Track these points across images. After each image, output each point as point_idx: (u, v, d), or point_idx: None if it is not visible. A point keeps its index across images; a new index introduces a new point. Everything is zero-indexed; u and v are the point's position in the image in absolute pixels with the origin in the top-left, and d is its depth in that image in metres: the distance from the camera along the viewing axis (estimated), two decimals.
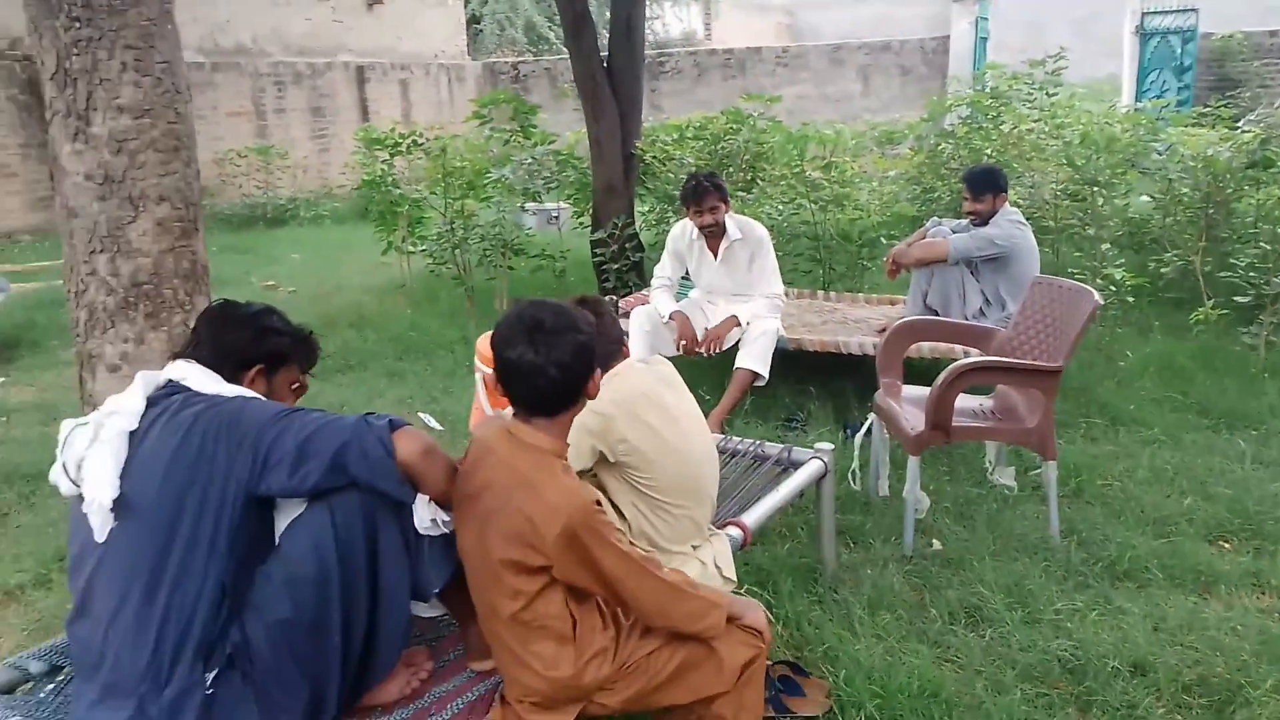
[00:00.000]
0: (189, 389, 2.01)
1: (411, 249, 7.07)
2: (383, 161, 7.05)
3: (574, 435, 2.23)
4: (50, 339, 6.51)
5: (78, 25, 2.65)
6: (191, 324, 2.85)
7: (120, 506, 1.86)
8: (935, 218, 5.06)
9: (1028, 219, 4.67)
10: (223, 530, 1.85)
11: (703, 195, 4.42)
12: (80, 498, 1.91)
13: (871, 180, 6.62)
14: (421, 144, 6.88)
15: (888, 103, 14.72)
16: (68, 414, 2.07)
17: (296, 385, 2.25)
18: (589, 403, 2.28)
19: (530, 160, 6.98)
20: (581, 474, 2.25)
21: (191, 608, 1.83)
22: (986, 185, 4.49)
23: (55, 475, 1.98)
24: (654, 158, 6.81)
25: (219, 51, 12.72)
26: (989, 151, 6.59)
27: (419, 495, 2.00)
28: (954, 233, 4.59)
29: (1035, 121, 6.82)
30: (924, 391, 3.47)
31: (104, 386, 2.75)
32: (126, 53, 2.70)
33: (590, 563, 1.81)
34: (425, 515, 2.03)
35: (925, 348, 4.33)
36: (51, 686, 2.13)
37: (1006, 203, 4.53)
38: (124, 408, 1.96)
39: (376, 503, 1.93)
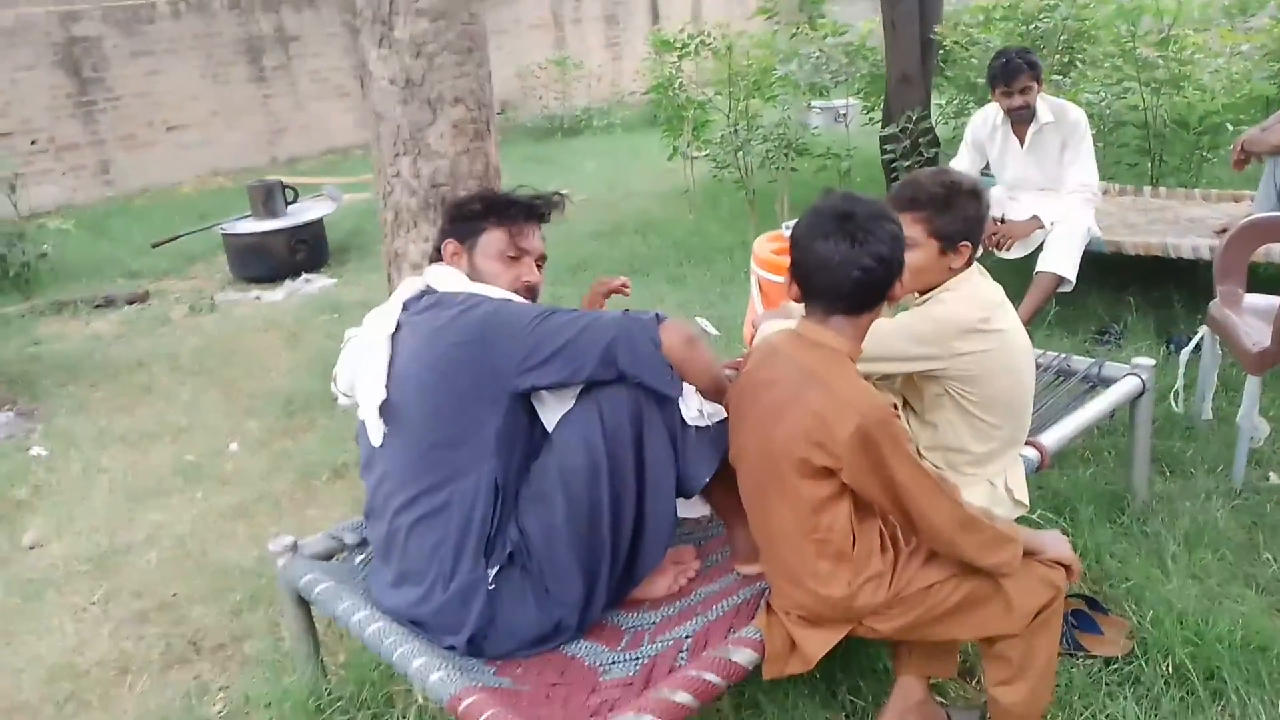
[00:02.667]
0: (439, 292, 2.06)
1: (695, 154, 7.06)
2: (671, 64, 7.02)
3: (898, 342, 2.10)
4: (376, 244, 7.15)
5: None
6: None
7: (388, 412, 1.97)
8: None
9: None
10: (489, 430, 1.89)
11: (1014, 74, 4.00)
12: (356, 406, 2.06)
13: (1218, 56, 5.71)
14: (709, 44, 6.78)
15: None
16: None
17: (516, 254, 2.15)
18: (927, 311, 2.13)
19: (818, 53, 6.66)
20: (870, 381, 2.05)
21: (469, 505, 1.90)
22: None
23: (334, 388, 2.15)
24: (955, 43, 6.25)
25: None
26: None
27: (685, 386, 1.96)
28: None
29: None
30: (1273, 301, 3.02)
31: None
32: None
33: (882, 470, 1.67)
34: (693, 405, 2.00)
35: (1276, 250, 3.73)
36: (361, 558, 2.35)
37: None
38: (384, 314, 2.06)
39: (642, 397, 1.91)
